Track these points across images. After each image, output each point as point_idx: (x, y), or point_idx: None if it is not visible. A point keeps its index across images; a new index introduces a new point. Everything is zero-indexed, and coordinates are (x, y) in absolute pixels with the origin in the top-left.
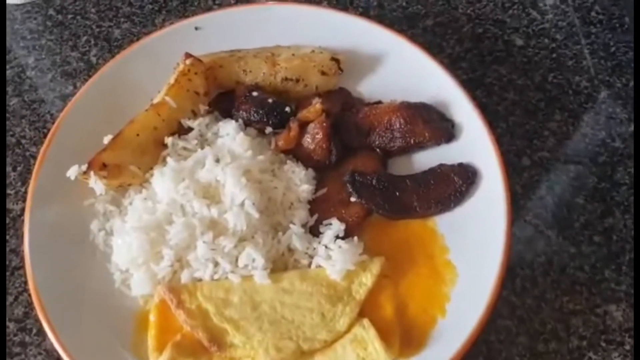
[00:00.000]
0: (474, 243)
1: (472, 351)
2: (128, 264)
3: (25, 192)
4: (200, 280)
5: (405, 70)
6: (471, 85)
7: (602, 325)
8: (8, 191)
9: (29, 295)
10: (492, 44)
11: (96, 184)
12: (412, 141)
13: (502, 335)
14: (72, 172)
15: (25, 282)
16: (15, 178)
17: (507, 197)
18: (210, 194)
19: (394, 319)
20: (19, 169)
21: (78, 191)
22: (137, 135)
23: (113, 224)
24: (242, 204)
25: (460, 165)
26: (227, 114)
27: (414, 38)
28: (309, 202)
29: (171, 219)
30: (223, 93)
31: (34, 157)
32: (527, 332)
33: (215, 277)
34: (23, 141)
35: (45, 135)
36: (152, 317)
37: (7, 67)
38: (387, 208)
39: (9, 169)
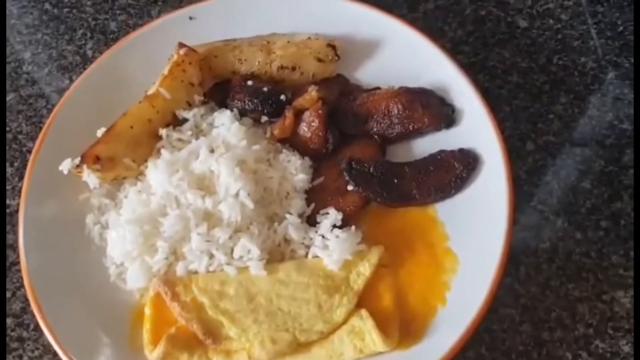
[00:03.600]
0: (475, 230)
1: (474, 340)
2: (123, 257)
3: None
4: (195, 272)
5: (404, 56)
6: (474, 69)
7: (609, 312)
8: (6, 187)
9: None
10: (495, 26)
11: (90, 177)
12: (411, 127)
13: (505, 324)
14: (65, 166)
15: (22, 277)
16: (12, 173)
17: (510, 182)
18: (204, 185)
19: (393, 308)
20: (15, 164)
21: (73, 185)
22: (131, 127)
23: (108, 218)
24: (236, 195)
25: (461, 150)
26: (223, 104)
27: (414, 22)
28: (306, 192)
29: (165, 211)
30: (218, 83)
31: (31, 153)
32: (531, 321)
33: (211, 269)
34: (20, 137)
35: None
36: (147, 311)
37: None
38: (386, 196)
39: (7, 164)
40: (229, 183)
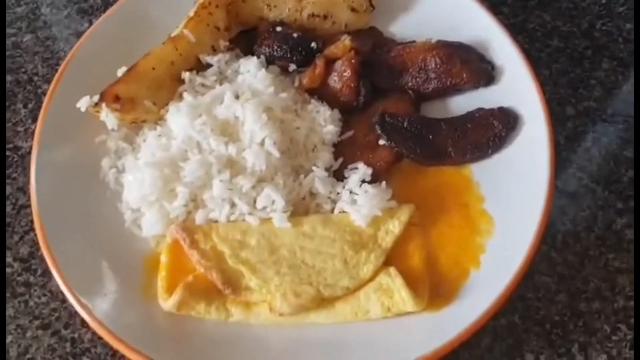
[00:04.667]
0: (513, 193)
1: (507, 308)
2: (139, 202)
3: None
4: (215, 221)
5: (441, 10)
6: (512, 32)
7: None
8: (18, 128)
9: (35, 234)
10: None
11: (108, 117)
12: (448, 82)
13: (540, 293)
14: (83, 103)
15: (32, 221)
16: (25, 115)
17: (552, 144)
18: (228, 132)
19: (423, 268)
20: (30, 106)
21: (89, 127)
22: (153, 69)
23: (125, 162)
24: (262, 143)
25: (501, 109)
26: (249, 52)
27: None
28: (334, 145)
29: (186, 156)
30: (245, 31)
31: (46, 95)
32: (568, 290)
33: (232, 218)
34: (35, 78)
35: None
36: (163, 258)
37: (22, 3)
38: (419, 152)
39: (19, 105)
40: (254, 130)
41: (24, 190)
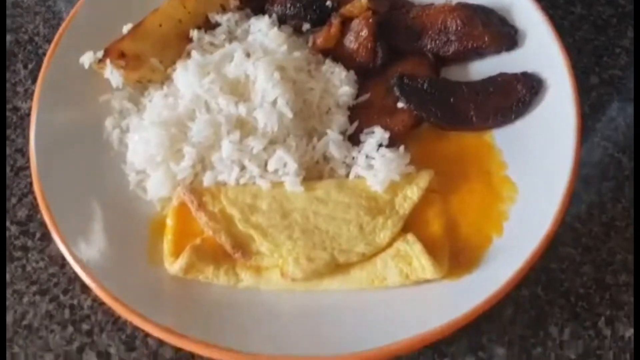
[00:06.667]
0: (537, 160)
1: (530, 278)
2: (145, 163)
3: None
4: (224, 184)
5: None
6: None
7: None
8: (18, 89)
9: (34, 197)
10: None
11: (112, 74)
12: (469, 45)
13: (564, 264)
14: (87, 59)
15: (31, 184)
16: (25, 76)
17: (578, 110)
18: (238, 91)
19: (443, 236)
20: (30, 66)
21: (92, 87)
22: (160, 25)
23: (129, 122)
24: (274, 103)
25: (525, 73)
26: (260, 12)
27: None
28: (349, 109)
29: (194, 116)
30: None
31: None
32: (593, 262)
33: (242, 181)
34: (36, 38)
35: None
36: (169, 222)
37: None
38: (440, 116)
39: (19, 65)
40: (266, 89)
41: (23, 152)
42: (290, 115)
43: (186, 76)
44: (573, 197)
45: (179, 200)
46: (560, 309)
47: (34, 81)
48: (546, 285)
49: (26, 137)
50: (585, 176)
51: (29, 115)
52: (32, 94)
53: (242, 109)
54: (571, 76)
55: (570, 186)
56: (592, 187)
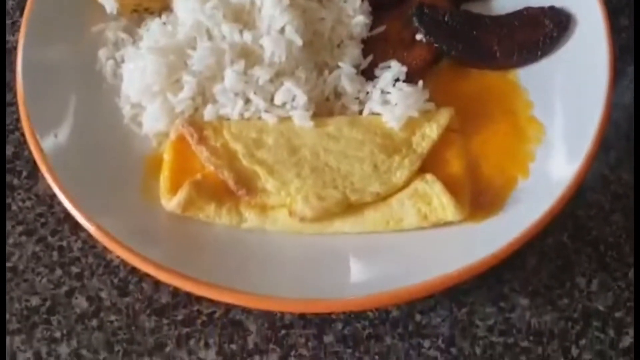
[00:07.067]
0: (566, 100)
1: (555, 225)
2: (140, 94)
3: None
4: (227, 119)
5: None
6: None
7: None
8: (5, 21)
9: (22, 133)
10: None
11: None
12: None
13: (592, 211)
14: None
15: (18, 119)
16: (13, 7)
17: (611, 48)
18: (243, 19)
19: (463, 176)
20: None
21: (84, 17)
22: None
23: (125, 53)
24: (281, 30)
25: (552, 7)
26: None
27: None
28: (363, 42)
29: (195, 44)
30: None
31: None
32: (623, 210)
33: (246, 115)
34: None
35: None
36: (166, 156)
37: None
38: (461, 50)
39: None
40: (273, 15)
41: (10, 86)
42: (299, 43)
43: (187, 2)
44: (602, 142)
45: (177, 133)
46: (588, 258)
47: (22, 13)
48: (573, 233)
49: (13, 71)
50: (614, 120)
51: (15, 48)
52: (19, 26)
53: (247, 37)
54: (603, 12)
55: (602, 128)
56: (622, 131)
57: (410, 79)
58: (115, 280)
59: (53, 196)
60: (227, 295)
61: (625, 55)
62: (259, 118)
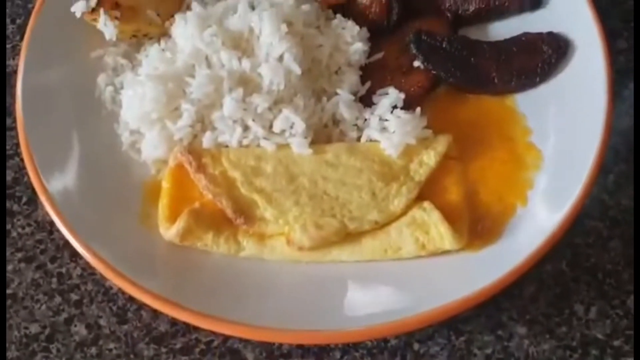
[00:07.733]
0: (564, 126)
1: (554, 253)
2: (139, 121)
3: None
4: (225, 146)
5: None
6: None
7: None
8: (5, 45)
9: (21, 159)
10: None
11: (106, 26)
12: (490, 3)
13: (590, 239)
14: (79, 8)
15: (17, 145)
16: (13, 31)
17: (609, 73)
18: (241, 46)
19: (462, 204)
20: (18, 21)
21: (84, 42)
22: None
23: (124, 79)
24: (280, 58)
25: (550, 33)
26: None
27: None
28: (361, 69)
29: (193, 71)
30: None
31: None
32: (622, 237)
33: (244, 142)
34: None
35: None
36: (164, 184)
37: None
38: (459, 76)
39: (7, 20)
40: (272, 43)
41: (9, 111)
42: (298, 71)
43: (185, 29)
44: (600, 167)
45: (175, 161)
46: (587, 286)
47: (23, 37)
48: (571, 260)
49: (13, 96)
50: (613, 145)
51: (16, 72)
52: (19, 50)
53: (245, 65)
54: (602, 37)
55: (601, 154)
56: (620, 157)
57: (408, 105)
58: (114, 308)
59: (52, 222)
60: (225, 327)
61: (624, 78)
62: (258, 145)
